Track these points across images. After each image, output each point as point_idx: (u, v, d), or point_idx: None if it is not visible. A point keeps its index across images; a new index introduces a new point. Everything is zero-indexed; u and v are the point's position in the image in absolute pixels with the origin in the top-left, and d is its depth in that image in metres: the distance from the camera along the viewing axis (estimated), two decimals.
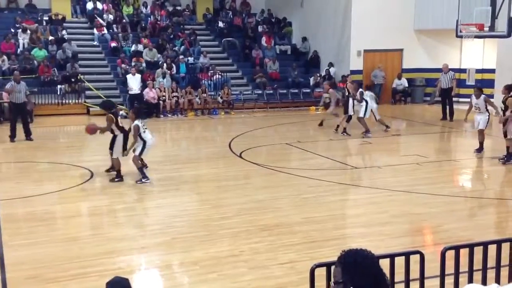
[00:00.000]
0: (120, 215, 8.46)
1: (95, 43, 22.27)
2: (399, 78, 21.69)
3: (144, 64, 20.69)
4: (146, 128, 10.36)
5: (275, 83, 21.35)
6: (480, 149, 12.19)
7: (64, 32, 22.02)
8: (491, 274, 4.40)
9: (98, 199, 9.44)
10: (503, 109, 11.71)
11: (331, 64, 22.05)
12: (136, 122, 10.21)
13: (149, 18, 24.06)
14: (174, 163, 11.98)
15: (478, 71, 21.01)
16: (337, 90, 15.86)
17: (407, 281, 4.15)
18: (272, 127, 16.27)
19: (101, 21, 22.91)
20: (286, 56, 23.66)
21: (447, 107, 17.64)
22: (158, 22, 23.80)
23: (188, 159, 12.52)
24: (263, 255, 6.52)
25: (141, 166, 10.31)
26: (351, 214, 8.75)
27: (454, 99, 18.13)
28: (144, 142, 10.29)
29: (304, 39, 23.98)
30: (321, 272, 3.97)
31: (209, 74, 21.01)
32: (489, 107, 12.42)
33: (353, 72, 21.33)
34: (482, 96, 12.20)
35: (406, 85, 21.68)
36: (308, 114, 19.26)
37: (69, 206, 8.90)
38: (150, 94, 18.85)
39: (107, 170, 10.78)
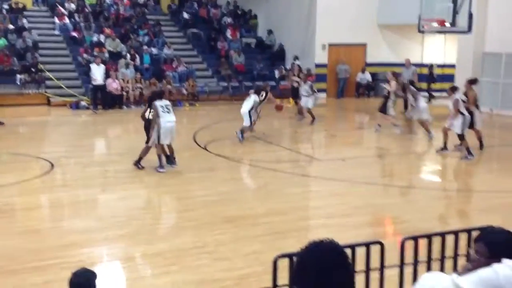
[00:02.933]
0: (81, 207, 8.34)
1: (56, 32, 21.78)
2: (363, 72, 21.97)
3: (106, 55, 20.37)
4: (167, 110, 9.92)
5: (240, 76, 21.33)
6: (444, 148, 11.88)
7: (24, 21, 21.45)
8: (449, 263, 4.52)
9: (59, 190, 9.28)
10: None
11: (296, 57, 22.16)
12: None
13: (112, 8, 23.67)
14: (137, 154, 11.81)
15: (439, 66, 21.46)
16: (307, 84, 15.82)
17: (367, 271, 4.23)
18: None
19: (62, 10, 22.42)
20: (251, 48, 23.65)
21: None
22: (122, 12, 23.45)
23: (152, 151, 12.40)
24: (227, 247, 6.54)
25: (160, 154, 9.98)
26: (314, 206, 8.85)
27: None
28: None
29: (270, 32, 24.02)
30: (283, 263, 4.00)
31: (174, 65, 20.84)
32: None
33: (317, 65, 21.51)
34: (455, 97, 11.32)
35: (370, 79, 21.97)
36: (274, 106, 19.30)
37: (29, 198, 8.72)
38: (113, 85, 18.57)
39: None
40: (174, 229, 7.18)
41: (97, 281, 3.68)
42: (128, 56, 20.25)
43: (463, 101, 11.48)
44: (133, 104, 18.89)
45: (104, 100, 18.34)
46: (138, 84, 19.23)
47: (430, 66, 21.21)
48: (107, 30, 21.51)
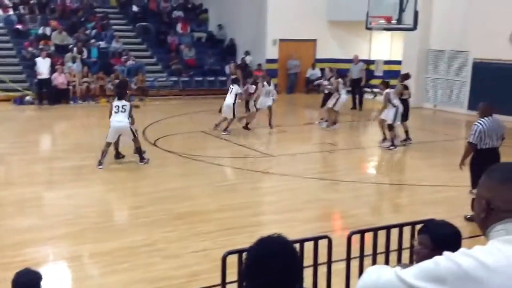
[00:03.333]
0: (26, 205, 8.09)
1: (0, 24, 21.00)
2: (313, 67, 22.21)
3: (52, 48, 19.81)
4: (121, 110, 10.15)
5: (191, 70, 21.17)
6: (385, 140, 12.53)
7: None
8: (393, 256, 4.66)
9: (2, 188, 8.97)
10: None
11: (247, 53, 22.18)
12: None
13: (58, 0, 23.01)
14: (85, 151, 11.59)
15: (386, 62, 21.93)
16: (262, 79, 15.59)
17: (315, 265, 4.30)
18: (187, 115, 16.16)
19: (6, 1, 21.63)
20: (202, 43, 23.51)
21: (357, 97, 18.31)
22: (68, 4, 22.84)
23: (99, 147, 12.16)
24: (177, 244, 6.50)
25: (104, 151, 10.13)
26: (264, 201, 8.91)
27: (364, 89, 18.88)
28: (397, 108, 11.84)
29: (220, 26, 23.94)
30: (233, 259, 4.02)
31: (122, 59, 20.47)
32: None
33: (268, 61, 21.60)
34: (385, 91, 12.23)
35: (319, 75, 22.24)
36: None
37: None
38: (59, 79, 18.08)
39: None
40: (123, 227, 7.08)
41: (42, 282, 3.59)
42: (75, 49, 19.75)
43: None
44: (80, 99, 18.46)
45: (50, 95, 17.84)
46: (85, 78, 18.80)
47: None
48: (53, 23, 20.91)
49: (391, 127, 12.09)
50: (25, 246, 6.37)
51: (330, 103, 14.19)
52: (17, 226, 7.07)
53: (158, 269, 5.83)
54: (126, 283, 5.53)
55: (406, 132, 12.77)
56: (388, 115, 12.03)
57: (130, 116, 10.24)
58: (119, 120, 10.09)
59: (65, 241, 6.67)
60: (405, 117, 12.50)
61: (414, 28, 15.46)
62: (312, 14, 21.43)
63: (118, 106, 10.15)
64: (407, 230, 4.68)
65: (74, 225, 7.10)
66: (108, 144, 10.20)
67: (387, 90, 12.21)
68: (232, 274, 4.10)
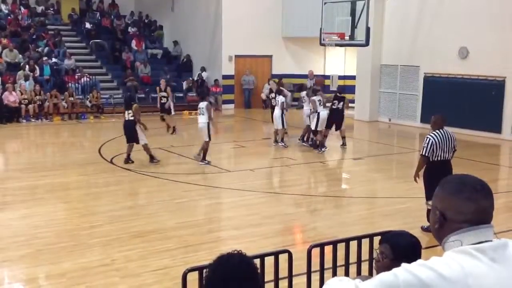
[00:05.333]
0: None
1: None
2: (269, 83, 22.37)
3: (3, 66, 19.32)
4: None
5: (147, 87, 21.01)
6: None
7: None
8: (353, 269, 4.71)
9: None
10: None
11: (203, 69, 22.20)
12: None
13: (9, 17, 22.51)
14: (38, 170, 11.31)
15: (341, 77, 22.36)
16: (211, 95, 15.85)
17: (276, 280, 4.31)
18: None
19: None
20: (157, 59, 23.40)
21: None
22: (20, 22, 22.36)
23: (54, 166, 11.91)
24: (136, 263, 6.40)
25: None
26: (224, 217, 8.88)
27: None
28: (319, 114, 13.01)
29: (176, 43, 23.90)
30: (194, 276, 3.99)
31: (76, 76, 20.15)
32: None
33: (225, 77, 21.68)
34: (312, 98, 13.40)
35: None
36: (182, 118, 19.19)
37: None
38: (11, 98, 17.63)
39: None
40: (79, 247, 6.92)
41: None
42: (27, 67, 19.32)
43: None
44: (33, 117, 18.03)
45: (1, 113, 17.35)
46: (38, 96, 18.38)
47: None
48: (4, 41, 20.42)
49: (315, 132, 13.22)
50: None
51: (312, 125, 13.35)
52: None
53: None
54: None
55: (343, 138, 13.73)
56: (312, 121, 13.19)
57: (209, 117, 11.52)
58: (199, 121, 11.64)
59: (20, 263, 6.46)
60: (339, 125, 13.53)
61: (366, 44, 15.83)
62: (267, 31, 21.68)
63: (200, 108, 11.63)
64: (365, 242, 4.75)
65: (29, 247, 6.89)
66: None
67: (313, 98, 13.21)
68: None
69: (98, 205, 8.92)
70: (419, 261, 1.74)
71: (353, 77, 20.38)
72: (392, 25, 18.49)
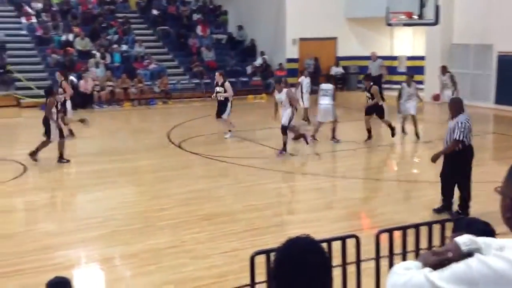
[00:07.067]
0: (56, 209, 8.24)
1: (24, 32, 21.37)
2: (337, 65, 22.11)
3: (75, 54, 20.11)
4: None
5: (212, 72, 21.22)
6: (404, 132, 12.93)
7: None
8: None
9: (32, 193, 9.14)
10: (369, 97, 12.26)
11: (262, 53, 22.19)
12: None
13: (79, 6, 23.33)
14: (111, 155, 11.74)
15: (409, 58, 21.74)
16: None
17: (343, 265, 4.29)
18: (211, 116, 16.18)
19: (29, 9, 22.01)
20: (222, 45, 23.59)
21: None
22: (90, 10, 23.13)
23: (126, 150, 12.31)
24: (205, 245, 6.54)
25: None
26: (290, 201, 8.91)
27: (387, 85, 18.73)
28: (293, 109, 11.32)
29: (240, 27, 23.99)
30: (261, 259, 4.03)
31: (145, 63, 20.66)
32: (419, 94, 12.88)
33: (289, 60, 21.58)
34: (414, 83, 12.60)
35: (343, 72, 22.15)
36: (247, 102, 19.33)
37: (3, 201, 8.56)
38: (85, 86, 18.36)
39: None
40: (150, 228, 7.15)
41: (73, 285, 3.65)
42: (98, 55, 20.00)
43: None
44: (104, 103, 18.69)
45: (75, 100, 18.07)
46: (109, 82, 19.02)
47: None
48: (76, 29, 21.20)
49: (284, 130, 11.05)
50: (56, 250, 6.48)
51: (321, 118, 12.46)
52: (48, 230, 7.20)
53: (187, 270, 5.87)
54: (156, 285, 5.59)
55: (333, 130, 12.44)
56: (284, 116, 11.14)
57: (334, 99, 11.95)
58: (324, 103, 11.87)
59: (94, 243, 6.76)
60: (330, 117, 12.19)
61: (435, 23, 15.28)
62: (331, 12, 21.36)
63: (324, 90, 11.97)
64: (436, 228, 4.63)
65: (103, 228, 7.20)
66: (320, 124, 12.07)
67: (287, 89, 11.36)
68: (261, 274, 4.11)
69: (167, 188, 9.17)
70: (492, 251, 1.68)
71: (422, 58, 19.77)
72: (462, 2, 17.74)
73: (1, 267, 5.94)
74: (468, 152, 7.35)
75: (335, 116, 12.24)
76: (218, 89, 13.34)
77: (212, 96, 13.69)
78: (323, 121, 12.26)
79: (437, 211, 7.45)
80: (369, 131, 12.38)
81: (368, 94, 12.29)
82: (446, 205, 7.51)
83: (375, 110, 12.31)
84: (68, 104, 12.71)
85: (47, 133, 10.56)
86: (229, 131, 13.12)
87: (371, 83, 12.42)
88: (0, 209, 8.17)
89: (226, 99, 13.11)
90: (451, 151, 7.35)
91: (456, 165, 7.35)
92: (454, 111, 7.40)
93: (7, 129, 15.33)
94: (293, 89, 12.42)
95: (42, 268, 5.73)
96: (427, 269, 1.76)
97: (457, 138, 7.20)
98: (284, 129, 11.08)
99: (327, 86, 12.29)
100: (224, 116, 13.07)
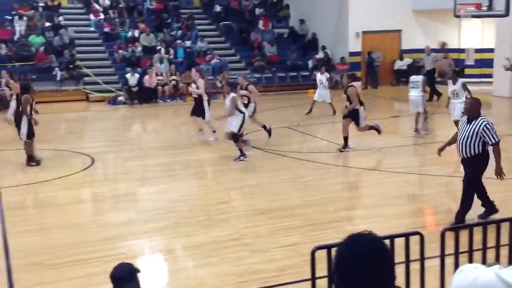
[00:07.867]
0: (121, 200, 8.50)
1: (92, 28, 22.15)
2: (401, 59, 21.62)
3: (140, 48, 20.64)
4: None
5: (273, 67, 21.28)
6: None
7: (60, 18, 21.89)
8: (491, 254, 4.45)
9: (99, 185, 9.49)
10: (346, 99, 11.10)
11: (324, 47, 21.96)
12: (233, 94, 10.39)
13: (145, 3, 23.90)
14: (174, 148, 12.00)
15: (477, 50, 20.95)
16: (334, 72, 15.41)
17: (407, 262, 4.20)
18: (272, 111, 16.24)
19: (97, 6, 22.77)
20: (283, 39, 23.55)
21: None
22: (155, 7, 23.65)
23: (188, 144, 12.53)
24: (264, 238, 6.58)
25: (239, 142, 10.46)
26: (351, 196, 8.80)
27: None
28: (244, 115, 10.50)
29: (302, 21, 23.86)
30: (322, 255, 4.01)
31: (207, 58, 20.94)
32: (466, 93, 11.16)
33: (352, 54, 21.29)
34: (460, 80, 11.16)
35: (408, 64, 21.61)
36: (308, 97, 19.21)
37: (71, 192, 8.94)
38: (150, 81, 18.84)
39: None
40: (211, 221, 7.26)
41: (139, 274, 3.74)
42: (163, 50, 20.45)
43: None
44: (168, 98, 19.09)
45: (140, 94, 18.63)
46: (173, 76, 19.41)
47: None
48: (142, 25, 21.75)
49: (235, 137, 10.43)
50: (122, 240, 6.69)
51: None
52: (114, 220, 7.45)
53: (247, 263, 5.92)
54: (217, 276, 5.67)
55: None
56: (234, 122, 10.41)
57: (424, 90, 12.04)
58: (413, 94, 12.03)
59: (158, 234, 6.94)
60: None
61: (506, 14, 14.63)
62: (395, 4, 20.88)
63: (413, 82, 12.08)
64: (505, 227, 4.46)
65: (165, 220, 7.37)
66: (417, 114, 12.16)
67: (233, 95, 10.47)
68: (321, 269, 4.09)
69: (227, 182, 9.28)
70: None
71: (491, 50, 18.99)
72: None
73: (67, 256, 6.19)
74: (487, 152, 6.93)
75: (425, 107, 12.20)
76: (193, 86, 12.77)
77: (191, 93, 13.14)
78: (414, 111, 12.35)
79: (483, 217, 6.85)
80: (345, 139, 11.02)
81: (344, 96, 11.10)
82: (489, 209, 7.07)
83: (351, 115, 11.02)
84: (13, 103, 11.48)
85: (29, 128, 10.35)
86: (214, 131, 12.41)
87: (351, 83, 11.10)
88: (68, 200, 8.53)
89: (201, 98, 12.43)
90: (500, 155, 6.91)
91: (481, 168, 7.01)
92: (475, 113, 6.67)
93: (77, 122, 15.95)
94: (358, 84, 12.04)
95: (107, 257, 5.93)
96: (497, 266, 1.71)
97: (497, 140, 6.75)
98: (235, 136, 10.44)
99: (416, 78, 12.25)
100: (206, 118, 12.44)
